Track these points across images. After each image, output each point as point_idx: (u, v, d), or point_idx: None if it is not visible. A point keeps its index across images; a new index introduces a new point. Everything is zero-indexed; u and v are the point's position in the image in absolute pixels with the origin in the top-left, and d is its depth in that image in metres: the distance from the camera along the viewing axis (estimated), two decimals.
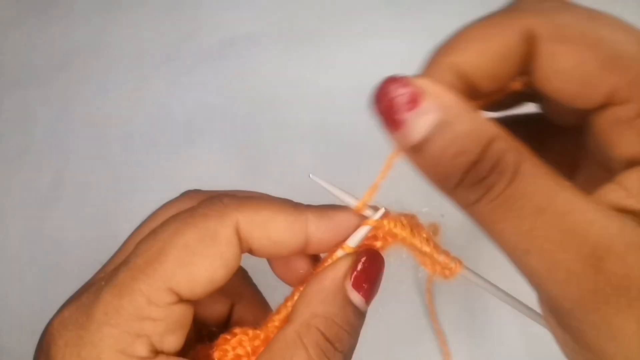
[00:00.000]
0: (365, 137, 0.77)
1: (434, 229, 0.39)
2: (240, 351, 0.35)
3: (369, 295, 0.35)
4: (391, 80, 0.30)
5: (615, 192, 0.28)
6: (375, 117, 0.32)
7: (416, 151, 0.29)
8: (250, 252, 0.36)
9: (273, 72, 0.83)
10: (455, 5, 0.86)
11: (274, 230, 0.34)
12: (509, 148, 0.27)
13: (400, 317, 0.63)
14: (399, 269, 0.64)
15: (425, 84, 0.29)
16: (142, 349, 0.31)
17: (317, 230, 0.35)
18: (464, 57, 0.32)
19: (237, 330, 0.36)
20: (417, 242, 0.37)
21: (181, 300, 0.33)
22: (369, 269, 0.35)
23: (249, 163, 0.76)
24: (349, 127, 0.77)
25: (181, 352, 0.35)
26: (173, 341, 0.33)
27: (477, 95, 0.33)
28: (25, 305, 0.67)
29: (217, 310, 0.40)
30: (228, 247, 0.33)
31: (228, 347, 0.35)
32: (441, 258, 0.38)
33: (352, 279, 0.34)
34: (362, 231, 0.37)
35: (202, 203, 0.35)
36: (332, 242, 0.36)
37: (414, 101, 0.29)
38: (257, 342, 0.35)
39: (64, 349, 0.31)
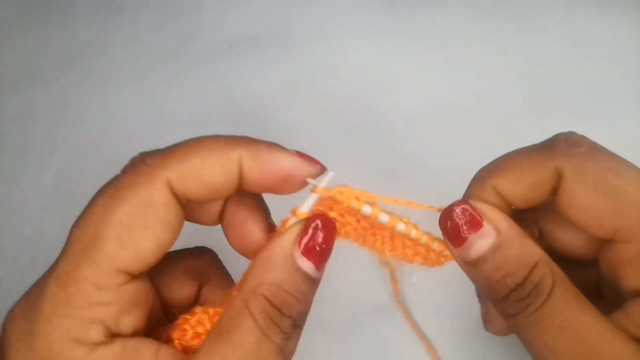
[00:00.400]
0: (365, 137, 0.77)
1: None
2: (199, 329, 0.35)
3: (319, 261, 0.35)
4: (459, 203, 0.36)
5: (622, 320, 0.33)
6: (441, 231, 0.37)
7: (472, 265, 0.36)
8: (189, 202, 0.35)
9: (273, 73, 0.83)
10: (454, 5, 0.86)
11: (208, 178, 0.34)
12: (548, 272, 0.34)
13: (383, 327, 0.63)
14: (371, 280, 0.64)
15: (486, 208, 0.36)
16: (96, 335, 0.30)
17: (251, 171, 0.35)
18: (502, 182, 0.38)
19: (197, 309, 0.36)
20: (402, 227, 0.37)
21: (132, 277, 0.32)
22: (318, 235, 0.35)
23: None
24: (348, 127, 0.77)
25: (146, 334, 0.34)
26: (130, 322, 0.32)
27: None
28: None
29: (184, 292, 0.40)
30: (167, 210, 0.33)
31: (187, 326, 0.35)
32: (435, 245, 0.39)
33: (300, 246, 0.34)
34: (312, 198, 0.36)
35: (125, 170, 0.34)
36: (266, 182, 0.36)
37: (475, 223, 0.35)
38: (216, 319, 0.35)
39: (16, 343, 0.30)
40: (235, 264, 0.42)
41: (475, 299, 0.44)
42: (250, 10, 0.90)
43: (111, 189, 0.33)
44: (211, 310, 0.36)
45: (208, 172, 0.34)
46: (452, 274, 0.41)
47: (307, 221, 0.35)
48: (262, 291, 0.33)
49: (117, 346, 0.31)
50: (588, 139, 0.37)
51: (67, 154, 0.79)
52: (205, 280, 0.41)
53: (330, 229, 0.36)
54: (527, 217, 0.41)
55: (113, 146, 0.79)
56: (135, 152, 0.85)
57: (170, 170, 0.33)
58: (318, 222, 0.35)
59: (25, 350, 0.30)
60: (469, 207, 0.36)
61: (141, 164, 0.34)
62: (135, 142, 0.79)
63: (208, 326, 0.35)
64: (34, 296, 0.32)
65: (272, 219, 0.40)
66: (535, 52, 0.81)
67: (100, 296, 0.31)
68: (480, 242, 0.35)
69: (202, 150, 0.34)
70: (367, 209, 0.36)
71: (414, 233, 0.38)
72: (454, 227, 0.36)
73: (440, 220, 0.37)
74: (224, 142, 0.35)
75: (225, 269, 0.43)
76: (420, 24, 0.86)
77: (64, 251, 0.32)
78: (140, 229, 0.32)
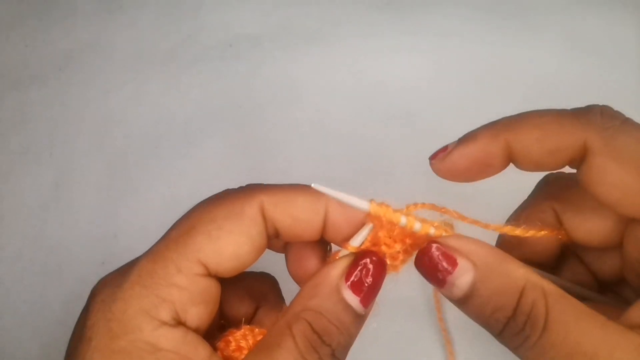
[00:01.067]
0: (365, 137, 0.77)
1: (447, 226, 0.38)
2: (242, 343, 0.37)
3: (365, 297, 0.35)
4: (429, 245, 0.34)
5: None
6: (421, 274, 0.36)
7: (461, 303, 0.34)
8: (277, 235, 0.37)
9: (273, 73, 0.83)
10: (454, 5, 0.86)
11: (296, 208, 0.36)
12: (538, 296, 0.32)
13: (405, 314, 0.63)
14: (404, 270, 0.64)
15: (457, 243, 0.34)
16: (165, 314, 0.33)
17: (335, 213, 0.37)
18: (520, 139, 0.36)
19: (245, 326, 0.37)
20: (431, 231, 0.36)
21: (208, 273, 0.35)
22: (367, 270, 0.35)
23: (249, 163, 0.76)
24: (348, 127, 0.77)
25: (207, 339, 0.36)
26: (196, 314, 0.35)
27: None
28: (26, 305, 0.67)
29: (241, 309, 0.42)
30: (253, 223, 0.36)
31: (231, 338, 0.37)
32: None
33: (347, 278, 0.35)
34: (365, 230, 0.37)
35: (232, 189, 0.38)
36: (347, 229, 0.37)
37: (450, 262, 0.34)
38: (260, 338, 0.37)
39: (100, 304, 0.33)
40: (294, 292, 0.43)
41: None
42: (250, 10, 0.90)
43: (214, 198, 0.37)
44: (257, 330, 0.37)
45: (297, 203, 0.36)
46: None
47: (358, 255, 0.36)
48: (305, 316, 0.34)
49: (179, 332, 0.33)
50: (622, 114, 0.35)
51: (67, 154, 0.79)
52: (263, 302, 0.43)
53: (379, 268, 0.36)
54: (544, 205, 0.40)
55: (113, 146, 0.79)
56: (135, 152, 0.86)
57: (265, 194, 0.36)
58: (368, 259, 0.35)
59: (104, 311, 0.33)
60: (440, 247, 0.34)
61: (245, 187, 0.38)
62: (135, 142, 0.80)
63: (251, 342, 0.37)
64: (126, 268, 0.35)
65: (331, 247, 0.41)
66: (535, 52, 0.81)
67: (179, 279, 0.34)
68: (460, 281, 0.33)
69: (296, 187, 0.38)
70: (417, 226, 0.36)
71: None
72: (430, 270, 0.35)
73: (415, 264, 0.36)
74: (315, 190, 0.37)
75: (282, 296, 0.45)
76: (420, 24, 0.86)
77: (163, 237, 0.36)
78: (227, 232, 0.35)
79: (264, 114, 0.80)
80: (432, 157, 0.37)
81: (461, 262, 0.34)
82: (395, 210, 0.36)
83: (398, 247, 0.37)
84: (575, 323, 0.31)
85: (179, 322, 0.34)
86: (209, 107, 0.81)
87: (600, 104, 0.71)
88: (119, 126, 0.81)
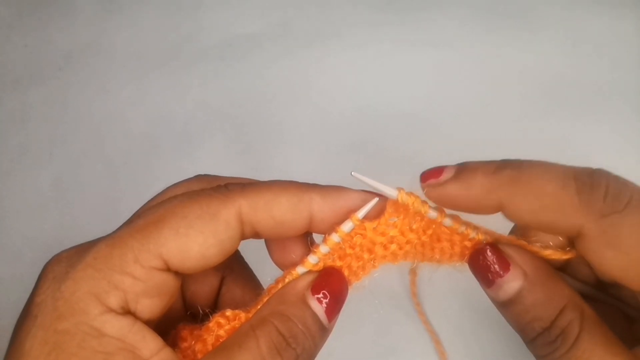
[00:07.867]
0: (365, 137, 0.77)
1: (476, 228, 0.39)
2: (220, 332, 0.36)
3: (329, 310, 0.36)
4: (487, 246, 0.37)
5: None
6: (471, 271, 0.38)
7: (502, 306, 0.37)
8: (257, 235, 0.37)
9: (273, 73, 0.83)
10: (454, 6, 0.86)
11: (278, 211, 0.36)
12: (576, 317, 0.34)
13: (393, 321, 0.63)
14: (384, 275, 0.64)
15: (513, 252, 0.36)
16: (114, 301, 0.32)
17: (321, 210, 0.36)
18: (515, 205, 0.35)
19: (228, 312, 0.36)
20: (463, 229, 0.37)
21: (168, 269, 0.34)
22: (330, 283, 0.37)
23: (249, 163, 0.76)
24: (348, 127, 0.77)
25: (162, 325, 0.36)
26: (147, 306, 0.34)
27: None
28: None
29: (208, 282, 0.42)
30: (226, 228, 0.35)
31: (213, 324, 0.36)
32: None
33: (313, 290, 0.36)
34: (371, 203, 0.37)
35: (210, 188, 0.37)
36: (335, 222, 0.37)
37: (503, 266, 0.36)
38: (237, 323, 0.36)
39: (51, 281, 0.33)
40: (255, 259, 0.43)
41: (483, 297, 0.44)
42: (250, 10, 0.90)
43: (192, 193, 0.36)
44: (243, 315, 0.36)
45: (279, 206, 0.36)
46: (462, 271, 0.41)
47: (323, 271, 0.37)
48: (272, 318, 0.34)
49: (126, 321, 0.33)
50: (630, 189, 0.33)
51: (67, 154, 0.79)
52: (228, 271, 0.43)
53: (342, 282, 0.38)
54: None
55: (113, 146, 0.80)
56: (135, 152, 0.86)
57: (244, 197, 0.36)
58: (329, 274, 0.37)
59: (53, 289, 0.32)
60: (497, 251, 0.36)
61: (224, 188, 0.37)
62: (134, 142, 0.80)
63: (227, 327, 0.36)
64: (84, 247, 0.34)
65: (312, 238, 0.41)
66: (535, 52, 0.81)
67: (134, 269, 0.33)
68: (508, 285, 0.35)
69: (277, 188, 0.37)
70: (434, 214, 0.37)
71: (472, 234, 0.38)
72: (482, 269, 0.37)
73: (469, 262, 0.38)
74: (298, 185, 0.37)
75: (246, 263, 0.45)
76: (419, 24, 0.86)
77: (127, 221, 0.36)
78: (196, 232, 0.34)
79: (264, 114, 0.80)
80: (425, 178, 0.37)
81: (513, 269, 0.36)
82: (423, 202, 0.36)
83: (413, 236, 0.38)
84: (601, 347, 0.33)
85: (127, 312, 0.33)
86: (209, 107, 0.81)
87: (600, 104, 0.69)
88: (119, 126, 0.81)
